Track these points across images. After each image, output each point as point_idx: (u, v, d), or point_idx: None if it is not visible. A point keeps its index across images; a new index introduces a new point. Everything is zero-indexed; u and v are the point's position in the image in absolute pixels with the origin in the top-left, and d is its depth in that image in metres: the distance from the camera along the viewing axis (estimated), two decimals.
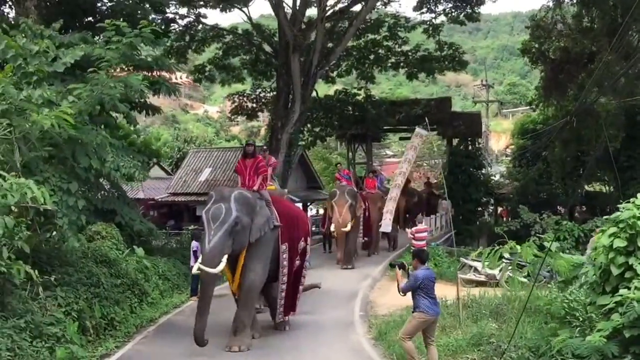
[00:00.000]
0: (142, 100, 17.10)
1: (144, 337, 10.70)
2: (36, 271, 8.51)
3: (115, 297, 11.44)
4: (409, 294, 8.39)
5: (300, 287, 11.58)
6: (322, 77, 30.12)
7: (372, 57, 30.16)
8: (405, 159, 20.62)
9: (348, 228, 18.08)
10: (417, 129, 18.65)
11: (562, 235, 18.17)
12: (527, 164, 32.00)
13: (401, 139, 40.36)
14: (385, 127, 33.09)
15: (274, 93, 27.28)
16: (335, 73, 30.68)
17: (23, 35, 11.89)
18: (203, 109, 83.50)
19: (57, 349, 8.36)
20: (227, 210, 9.65)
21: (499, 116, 64.54)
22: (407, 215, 25.08)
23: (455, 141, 32.35)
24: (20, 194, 8.18)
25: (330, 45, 26.07)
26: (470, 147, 31.58)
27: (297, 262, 11.14)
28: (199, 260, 9.62)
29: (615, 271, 7.48)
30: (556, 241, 12.31)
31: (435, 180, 33.84)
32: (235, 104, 30.91)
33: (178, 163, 37.03)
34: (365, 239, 20.72)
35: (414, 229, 17.83)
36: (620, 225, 7.55)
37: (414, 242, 17.34)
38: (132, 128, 18.82)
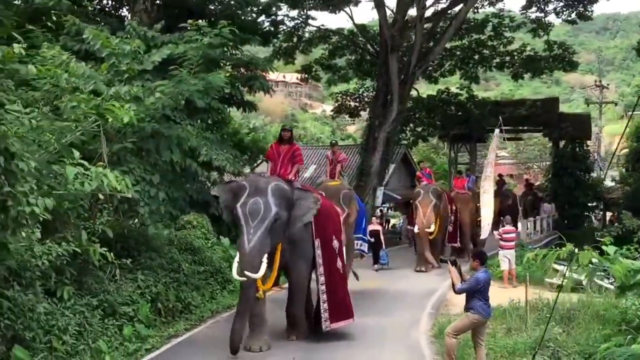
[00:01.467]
0: (240, 97, 17.91)
1: (215, 322, 11.26)
2: (112, 254, 9.21)
3: (195, 283, 12.15)
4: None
5: (348, 290, 10.51)
6: (424, 77, 30.08)
7: (476, 57, 29.62)
8: (488, 162, 19.76)
9: (432, 229, 17.43)
10: (496, 131, 18.10)
11: None
12: None
13: (506, 139, 39.25)
14: (488, 128, 32.37)
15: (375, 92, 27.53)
16: (438, 73, 30.39)
17: (127, 36, 12.89)
18: (321, 108, 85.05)
19: (124, 327, 9.05)
20: (266, 206, 9.00)
21: (624, 118, 61.11)
22: (501, 218, 24.31)
23: (562, 143, 31.08)
24: (98, 182, 8.90)
25: (430, 45, 25.86)
26: (577, 150, 30.21)
27: (339, 264, 10.22)
28: (236, 260, 9.02)
29: None
30: None
31: (537, 182, 32.71)
32: (338, 102, 31.34)
33: None
34: (453, 244, 19.67)
35: (501, 229, 17.15)
36: None
37: (502, 243, 16.64)
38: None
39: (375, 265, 17.85)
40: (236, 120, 42.96)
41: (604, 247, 8.51)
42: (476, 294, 8.17)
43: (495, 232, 18.22)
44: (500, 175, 32.85)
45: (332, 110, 32.89)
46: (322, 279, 9.89)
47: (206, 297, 12.35)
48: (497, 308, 11.20)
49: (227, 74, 15.42)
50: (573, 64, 29.10)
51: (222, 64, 14.51)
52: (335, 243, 10.22)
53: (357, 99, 30.92)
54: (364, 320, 10.79)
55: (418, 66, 24.54)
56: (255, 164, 27.23)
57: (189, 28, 11.93)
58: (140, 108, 10.84)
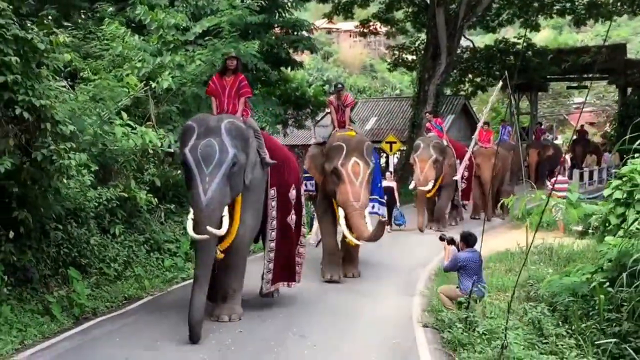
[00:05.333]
0: (287, 57, 19.36)
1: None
2: (157, 199, 11.07)
3: None
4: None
5: (302, 251, 9.27)
6: (482, 27, 30.31)
7: (536, 4, 29.49)
8: (485, 111, 17.95)
9: (429, 187, 15.44)
10: (499, 85, 16.09)
11: None
12: None
13: (568, 87, 38.88)
14: (550, 77, 32.30)
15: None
16: (496, 22, 30.54)
17: (184, 4, 14.69)
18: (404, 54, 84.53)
19: (165, 260, 10.96)
20: (221, 147, 7.46)
21: None
22: (544, 172, 24.17)
23: (629, 91, 30.64)
24: (141, 139, 10.69)
25: None
26: None
27: (293, 217, 8.84)
28: (190, 217, 7.41)
29: (613, 221, 8.18)
30: None
31: (601, 132, 32.36)
32: (395, 56, 32.16)
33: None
34: (465, 202, 17.59)
35: (553, 179, 15.77)
36: (624, 179, 8.21)
37: (554, 193, 14.54)
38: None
39: (388, 227, 14.73)
40: (311, 73, 44.42)
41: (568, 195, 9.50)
42: (463, 273, 8.04)
43: (547, 182, 17.98)
44: (582, 126, 32.78)
45: (388, 64, 33.68)
46: (272, 234, 8.51)
47: None
48: (505, 251, 12.30)
49: (273, 37, 17.08)
50: None
51: (262, 30, 16.03)
52: (293, 193, 8.90)
53: (414, 52, 31.56)
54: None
55: (466, 19, 25.01)
56: (320, 117, 28.78)
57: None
58: (184, 74, 12.63)
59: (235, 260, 8.07)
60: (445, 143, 16.36)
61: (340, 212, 10.34)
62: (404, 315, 8.40)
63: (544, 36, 43.90)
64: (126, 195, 10.42)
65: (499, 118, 35.74)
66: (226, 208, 7.54)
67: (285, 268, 8.73)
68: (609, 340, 5.89)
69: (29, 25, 7.39)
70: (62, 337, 7.18)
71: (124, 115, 10.88)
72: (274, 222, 8.52)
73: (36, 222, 8.15)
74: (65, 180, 8.24)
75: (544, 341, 6.44)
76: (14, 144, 7.12)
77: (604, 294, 6.54)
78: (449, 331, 7.04)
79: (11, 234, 7.64)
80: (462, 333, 6.82)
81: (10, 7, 7.01)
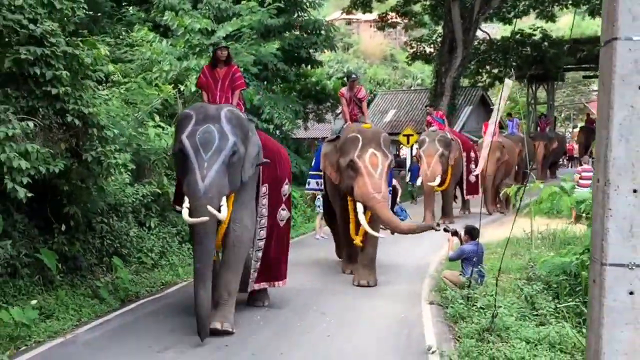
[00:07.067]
0: (307, 56, 20.20)
1: None
2: None
3: None
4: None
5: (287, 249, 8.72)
6: (498, 19, 30.85)
7: None
8: (496, 109, 18.43)
9: (437, 182, 15.27)
10: (507, 80, 16.51)
11: None
12: None
13: (584, 77, 39.22)
14: (566, 67, 32.72)
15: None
16: (512, 14, 31.07)
17: (207, 8, 15.65)
18: (422, 47, 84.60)
19: None
20: (221, 134, 6.92)
21: None
22: (549, 164, 24.70)
23: None
24: (172, 138, 11.60)
25: None
26: None
27: (283, 212, 8.34)
28: (185, 205, 6.85)
29: None
30: None
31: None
32: (413, 49, 32.84)
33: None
34: (470, 196, 17.36)
35: (579, 168, 15.96)
36: None
37: (580, 181, 15.13)
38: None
39: None
40: (331, 65, 44.92)
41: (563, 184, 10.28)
42: (467, 263, 8.75)
43: (574, 171, 17.88)
44: (587, 115, 33.08)
45: (407, 57, 34.35)
46: (262, 232, 7.99)
47: None
48: (512, 237, 12.95)
49: (293, 37, 17.93)
50: None
51: (280, 31, 16.92)
52: (285, 188, 8.48)
53: (432, 45, 32.20)
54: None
55: (481, 12, 25.66)
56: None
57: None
58: None
59: (231, 263, 7.47)
60: (449, 136, 16.18)
61: (359, 208, 9.59)
62: (414, 294, 9.28)
63: (564, 23, 44.11)
64: (159, 191, 11.45)
65: (517, 109, 36.27)
66: (224, 198, 6.89)
67: (271, 267, 8.26)
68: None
69: (75, 41, 8.34)
70: (111, 315, 8.14)
71: (156, 117, 11.91)
72: (263, 221, 7.98)
73: (83, 217, 9.16)
74: (108, 179, 9.21)
75: (535, 314, 7.27)
76: (64, 147, 8.08)
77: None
78: (451, 306, 7.89)
79: (63, 227, 8.65)
80: (462, 308, 7.67)
81: (59, 27, 7.95)
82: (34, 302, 7.50)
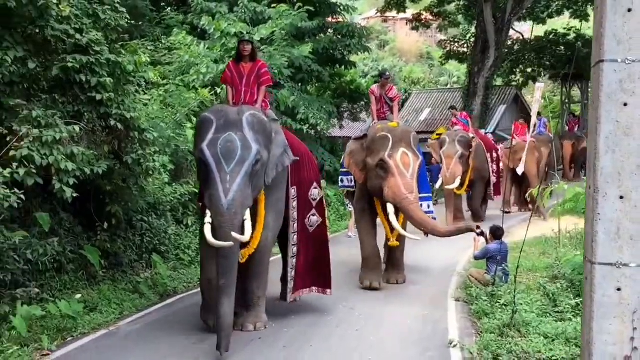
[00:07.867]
0: (341, 57, 20.51)
1: None
2: None
3: None
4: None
5: (327, 254, 8.44)
6: (532, 19, 30.80)
7: None
8: (533, 113, 18.38)
9: (456, 184, 15.01)
10: (538, 83, 16.42)
11: None
12: None
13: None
14: None
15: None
16: (545, 14, 30.97)
17: (243, 11, 16.12)
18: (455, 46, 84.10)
19: None
20: (243, 143, 6.62)
21: None
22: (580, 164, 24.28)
23: None
24: None
25: None
26: None
27: (314, 218, 8.14)
28: (208, 220, 6.61)
29: None
30: None
31: None
32: (446, 49, 32.95)
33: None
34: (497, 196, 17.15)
35: None
36: None
37: None
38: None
39: None
40: (366, 63, 44.95)
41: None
42: (492, 262, 9.06)
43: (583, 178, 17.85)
44: None
45: (440, 57, 34.45)
46: (294, 238, 7.86)
47: None
48: (541, 237, 13.19)
49: (327, 40, 18.28)
50: None
51: (314, 33, 17.29)
52: (315, 192, 8.23)
53: (465, 44, 32.26)
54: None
55: (514, 13, 25.70)
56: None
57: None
58: None
59: (258, 266, 7.47)
60: (471, 136, 15.91)
61: (390, 208, 9.30)
62: (441, 292, 9.59)
63: None
64: (196, 190, 11.89)
65: (551, 108, 36.10)
66: (248, 211, 6.69)
67: (313, 273, 8.19)
68: None
69: (118, 48, 8.82)
70: (151, 309, 8.63)
71: (193, 119, 12.38)
72: (296, 225, 7.83)
73: (124, 215, 9.67)
74: (148, 179, 9.69)
75: (556, 311, 7.51)
76: (107, 150, 8.57)
77: None
78: (476, 303, 8.18)
79: (105, 225, 9.15)
80: (486, 305, 7.95)
81: (103, 36, 8.43)
82: (78, 296, 8.04)
